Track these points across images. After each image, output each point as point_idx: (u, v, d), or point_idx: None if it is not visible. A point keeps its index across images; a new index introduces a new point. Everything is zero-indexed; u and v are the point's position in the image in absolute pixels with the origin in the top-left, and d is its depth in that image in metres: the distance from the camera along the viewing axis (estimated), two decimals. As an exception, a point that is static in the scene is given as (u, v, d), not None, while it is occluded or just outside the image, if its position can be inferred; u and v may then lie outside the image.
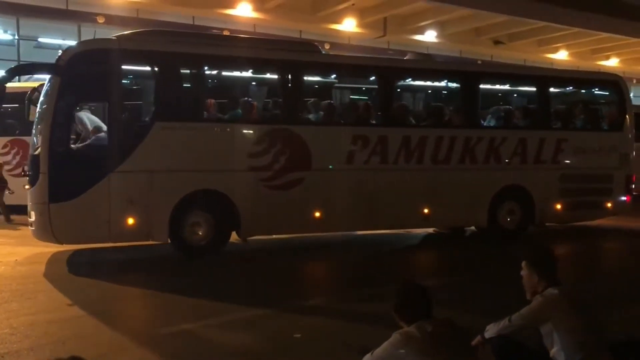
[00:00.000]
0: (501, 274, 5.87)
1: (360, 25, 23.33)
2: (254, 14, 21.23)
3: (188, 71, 8.56)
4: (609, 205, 11.08)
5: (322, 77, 10.06)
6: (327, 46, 21.16)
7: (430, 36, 24.76)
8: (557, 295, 3.57)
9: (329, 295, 6.85)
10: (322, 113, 9.38)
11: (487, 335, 3.68)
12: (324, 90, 10.20)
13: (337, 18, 22.71)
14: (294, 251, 9.35)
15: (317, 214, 9.05)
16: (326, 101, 9.40)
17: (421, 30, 24.46)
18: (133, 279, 7.34)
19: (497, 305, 4.84)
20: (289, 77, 9.10)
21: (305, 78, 9.31)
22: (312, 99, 9.45)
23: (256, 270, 8.00)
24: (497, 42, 26.51)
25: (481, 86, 10.47)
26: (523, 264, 3.73)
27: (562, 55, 29.28)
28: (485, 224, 10.20)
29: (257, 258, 8.84)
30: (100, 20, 19.34)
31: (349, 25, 23.17)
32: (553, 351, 3.53)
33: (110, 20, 19.09)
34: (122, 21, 18.09)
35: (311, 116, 9.40)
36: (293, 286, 7.17)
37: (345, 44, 23.52)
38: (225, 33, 15.44)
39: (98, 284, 7.00)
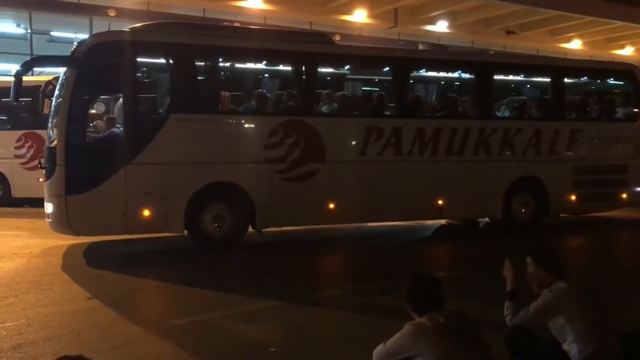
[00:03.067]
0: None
1: (371, 16, 23.20)
2: (264, 6, 21.21)
3: (203, 63, 8.56)
4: (624, 196, 11.01)
5: (336, 69, 10.02)
6: (337, 37, 21.07)
7: (441, 26, 24.59)
8: (565, 289, 3.58)
9: (341, 287, 6.85)
10: (335, 105, 9.36)
11: (512, 321, 3.69)
12: (338, 81, 10.16)
13: (347, 9, 22.61)
14: (308, 243, 9.37)
15: (331, 206, 9.06)
16: (340, 92, 9.37)
17: (432, 21, 24.28)
18: (149, 271, 7.38)
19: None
20: (303, 68, 9.09)
21: (319, 69, 9.29)
22: (326, 91, 9.43)
23: (270, 263, 8.02)
24: (509, 32, 26.24)
25: (495, 77, 10.41)
26: (528, 260, 3.73)
27: (575, 45, 28.90)
28: (500, 215, 10.17)
29: (272, 250, 8.88)
30: (112, 13, 19.39)
31: (359, 16, 23.05)
32: (566, 344, 3.54)
33: (121, 13, 19.13)
34: (132, 14, 18.13)
35: (325, 108, 9.38)
36: (306, 278, 7.17)
37: (355, 35, 23.40)
38: (236, 24, 15.35)
39: (114, 276, 7.05)
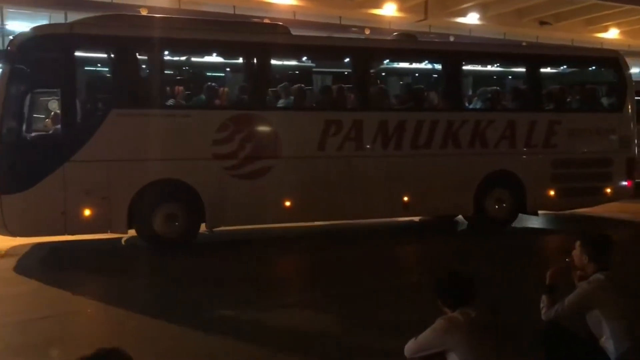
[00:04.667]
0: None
1: (401, 9, 22.90)
2: (294, 2, 21.23)
3: (144, 56, 8.22)
4: (608, 190, 10.37)
5: (291, 60, 9.61)
6: (367, 31, 20.84)
7: (472, 18, 24.13)
8: (603, 281, 3.47)
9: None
10: (292, 98, 8.96)
11: (547, 316, 3.60)
12: (294, 73, 9.77)
13: (377, 3, 22.39)
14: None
15: (288, 204, 8.65)
16: (296, 85, 8.96)
17: (463, 13, 23.85)
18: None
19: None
20: (254, 60, 8.70)
21: (272, 61, 8.89)
22: (282, 83, 9.04)
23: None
24: (542, 23, 25.47)
25: (465, 67, 9.91)
26: (577, 243, 3.64)
27: (612, 34, 27.74)
28: (472, 212, 9.66)
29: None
30: (144, 12, 19.20)
31: (389, 9, 22.80)
32: (602, 340, 3.46)
33: (153, 12, 18.94)
34: (164, 12, 17.87)
35: (281, 101, 8.99)
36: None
37: (385, 28, 22.75)
38: (266, 21, 15.09)
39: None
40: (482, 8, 23.57)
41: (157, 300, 5.92)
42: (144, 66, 8.26)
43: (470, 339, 2.94)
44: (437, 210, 9.81)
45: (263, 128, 8.63)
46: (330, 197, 8.80)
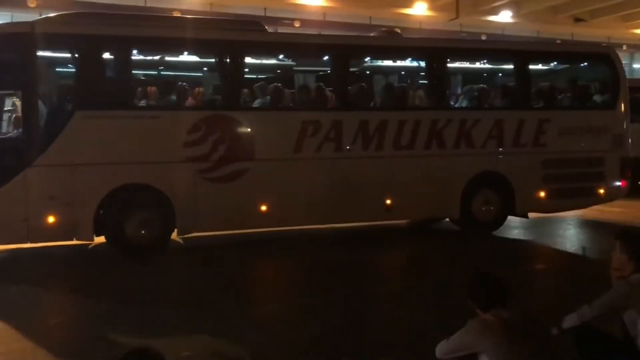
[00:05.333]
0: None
1: (432, 8, 22.56)
2: (324, 3, 21.00)
3: (110, 55, 7.86)
4: (601, 191, 9.97)
5: (267, 59, 9.24)
6: (398, 31, 20.49)
7: (505, 16, 23.67)
8: None
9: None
10: (268, 97, 8.60)
11: (565, 325, 3.54)
12: (271, 72, 9.40)
13: (407, 2, 22.11)
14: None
15: (263, 208, 8.29)
16: (272, 84, 8.60)
17: (495, 11, 23.46)
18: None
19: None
20: (227, 58, 8.33)
21: (246, 59, 8.52)
22: (258, 83, 8.69)
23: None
24: (577, 20, 24.77)
25: (450, 64, 9.53)
26: (617, 242, 3.61)
27: None
28: (458, 215, 9.28)
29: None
30: (177, 14, 18.99)
31: (420, 9, 22.49)
32: (639, 341, 3.43)
33: (186, 13, 18.65)
34: (196, 14, 17.58)
35: (257, 101, 8.63)
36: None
37: (416, 28, 22.37)
38: (176, 14, 14.64)
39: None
40: (515, 5, 23.04)
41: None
42: (109, 65, 7.90)
43: (504, 341, 2.90)
44: (422, 213, 9.42)
45: (238, 129, 8.27)
46: (309, 200, 8.44)
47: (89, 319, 5.41)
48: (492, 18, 23.70)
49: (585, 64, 10.71)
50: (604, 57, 10.16)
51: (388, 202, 8.88)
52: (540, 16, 24.29)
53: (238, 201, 8.10)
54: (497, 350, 2.89)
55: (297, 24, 21.18)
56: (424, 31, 22.17)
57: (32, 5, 18.57)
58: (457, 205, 9.20)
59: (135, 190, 7.75)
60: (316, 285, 6.66)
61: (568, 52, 10.53)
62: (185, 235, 8.17)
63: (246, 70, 8.73)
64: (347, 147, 8.62)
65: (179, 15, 13.39)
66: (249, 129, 8.32)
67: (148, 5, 18.84)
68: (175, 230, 8.07)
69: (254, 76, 8.90)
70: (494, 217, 9.50)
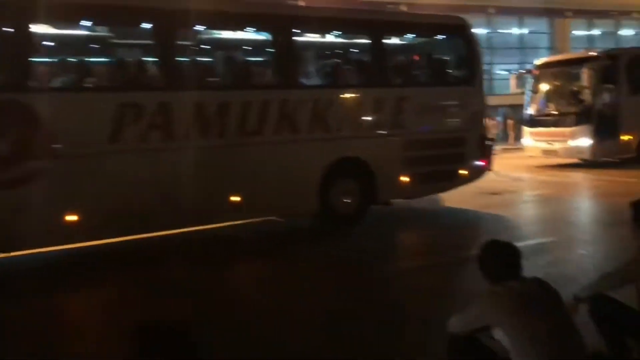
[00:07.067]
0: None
1: None
2: None
3: None
4: (464, 172, 9.38)
5: (66, 28, 7.25)
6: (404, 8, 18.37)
7: None
8: None
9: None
10: (72, 75, 6.69)
11: (581, 295, 3.49)
12: (74, 44, 7.45)
13: None
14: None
15: (71, 219, 6.42)
16: (71, 59, 6.67)
17: None
18: None
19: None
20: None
21: (35, 29, 6.49)
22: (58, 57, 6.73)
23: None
24: None
25: (296, 36, 8.25)
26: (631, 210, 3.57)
27: None
28: (318, 209, 8.10)
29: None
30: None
31: None
32: None
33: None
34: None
35: (55, 80, 6.66)
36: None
37: (424, 3, 19.46)
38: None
39: None
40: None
41: None
42: None
43: (514, 311, 2.82)
44: (277, 209, 8.05)
45: (24, 117, 6.26)
46: (131, 204, 6.68)
47: None
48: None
49: (441, 36, 10.00)
50: (460, 29, 9.53)
51: (234, 199, 7.43)
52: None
53: (30, 213, 6.13)
54: (508, 321, 2.82)
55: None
56: (432, 8, 19.34)
57: None
58: (316, 198, 8.02)
59: None
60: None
61: (422, 24, 9.69)
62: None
63: (37, 41, 6.68)
64: (180, 135, 6.99)
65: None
66: (42, 116, 6.32)
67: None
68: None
69: (51, 49, 6.85)
70: (356, 207, 8.48)
